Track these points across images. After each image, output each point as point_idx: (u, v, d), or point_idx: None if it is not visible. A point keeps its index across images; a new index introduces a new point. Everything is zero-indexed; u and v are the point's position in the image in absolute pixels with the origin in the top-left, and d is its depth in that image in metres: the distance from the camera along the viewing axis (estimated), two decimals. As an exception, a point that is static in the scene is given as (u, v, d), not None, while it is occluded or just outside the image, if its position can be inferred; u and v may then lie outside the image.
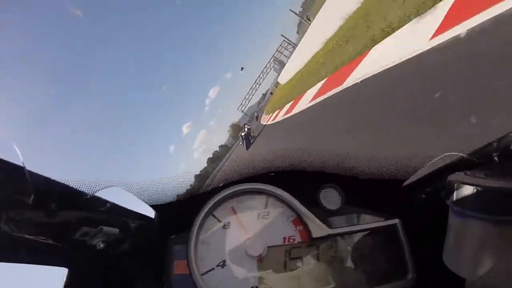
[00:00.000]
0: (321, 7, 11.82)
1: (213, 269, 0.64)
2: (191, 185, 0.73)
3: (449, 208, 0.53)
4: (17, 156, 0.44)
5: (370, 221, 0.71)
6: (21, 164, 0.43)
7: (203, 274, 0.63)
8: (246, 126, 18.68)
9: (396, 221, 0.72)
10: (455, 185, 0.50)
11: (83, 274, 0.63)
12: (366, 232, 0.71)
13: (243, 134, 17.18)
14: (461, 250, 0.52)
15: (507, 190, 0.44)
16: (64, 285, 0.63)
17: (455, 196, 0.50)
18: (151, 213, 0.66)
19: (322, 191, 0.73)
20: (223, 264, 0.65)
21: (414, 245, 0.73)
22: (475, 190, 0.46)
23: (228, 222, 0.68)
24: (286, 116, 11.36)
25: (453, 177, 0.52)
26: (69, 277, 0.63)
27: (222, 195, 0.68)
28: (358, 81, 5.12)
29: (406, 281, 0.68)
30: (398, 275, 0.69)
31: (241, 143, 17.46)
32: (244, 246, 0.65)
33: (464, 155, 0.64)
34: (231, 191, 0.69)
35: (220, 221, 0.68)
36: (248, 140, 16.74)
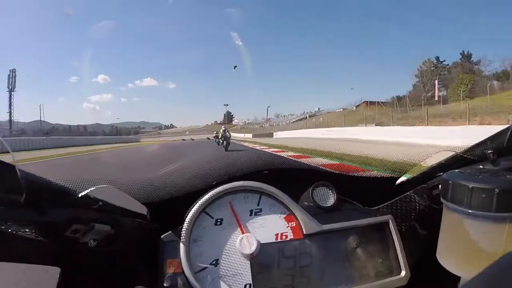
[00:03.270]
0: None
1: (206, 267, 0.62)
2: (183, 182, 0.72)
3: (443, 206, 0.52)
4: (7, 155, 0.43)
5: (363, 218, 0.70)
6: (12, 163, 0.42)
7: (196, 273, 0.62)
8: (222, 127, 18.91)
9: (388, 217, 0.71)
10: (450, 183, 0.49)
11: (75, 273, 0.61)
12: (358, 229, 0.69)
13: (221, 135, 17.79)
14: (455, 247, 0.51)
15: (501, 187, 0.44)
16: (57, 284, 0.62)
17: (449, 194, 0.49)
18: (143, 210, 0.65)
19: (315, 188, 0.71)
20: (216, 263, 0.63)
21: (407, 242, 0.72)
22: (469, 188, 0.46)
23: (221, 219, 0.66)
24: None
25: (447, 175, 0.51)
26: (62, 276, 0.62)
27: (215, 192, 0.67)
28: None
29: (400, 278, 0.67)
30: (391, 272, 0.68)
31: (220, 144, 17.90)
32: (237, 244, 0.64)
33: (458, 153, 0.63)
34: (223, 188, 0.67)
35: (213, 218, 0.66)
36: (228, 141, 17.17)
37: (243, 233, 0.65)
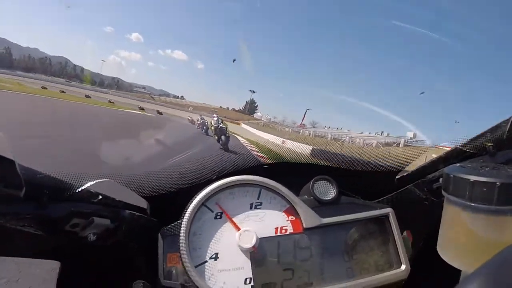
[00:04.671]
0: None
1: (206, 261, 0.62)
2: (184, 176, 0.72)
3: (444, 199, 0.52)
4: (8, 151, 0.43)
5: (363, 212, 0.70)
6: (12, 158, 0.42)
7: (196, 266, 0.61)
8: (214, 116, 13.64)
9: (388, 210, 0.70)
10: (451, 176, 0.49)
11: (75, 267, 0.61)
12: (359, 222, 0.69)
13: (213, 128, 12.53)
14: (455, 240, 0.51)
15: (502, 181, 0.44)
16: (58, 278, 0.62)
17: (451, 187, 0.49)
18: (143, 204, 0.64)
19: (316, 182, 0.71)
20: (216, 256, 0.63)
21: (409, 236, 0.72)
22: (470, 182, 0.45)
23: (221, 213, 0.66)
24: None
25: (448, 169, 0.51)
26: (62, 270, 0.62)
27: (215, 186, 0.66)
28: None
29: (400, 272, 0.67)
30: (391, 266, 0.68)
31: (217, 140, 12.04)
32: (237, 238, 0.64)
33: (458, 146, 0.63)
34: (224, 182, 0.67)
35: (213, 212, 0.66)
36: (226, 137, 11.91)
37: (242, 226, 0.65)
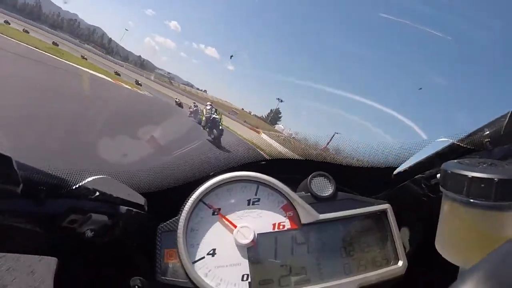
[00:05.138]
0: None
1: (203, 257, 0.62)
2: (181, 172, 0.72)
3: (442, 195, 0.52)
4: (4, 147, 0.42)
5: (360, 207, 0.70)
6: (8, 155, 0.42)
7: (193, 262, 0.61)
8: (208, 103, 11.40)
9: (386, 206, 0.70)
10: (449, 172, 0.49)
11: (73, 263, 0.61)
12: (356, 218, 0.69)
13: (204, 119, 10.52)
14: (453, 236, 0.51)
15: (500, 176, 0.44)
16: (54, 274, 0.62)
17: (449, 183, 0.49)
18: (141, 200, 0.64)
19: (313, 178, 0.71)
20: (213, 253, 0.63)
21: (407, 231, 0.73)
22: (468, 177, 0.45)
23: (218, 209, 0.66)
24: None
25: (446, 165, 0.51)
26: (59, 266, 0.61)
27: (213, 182, 0.66)
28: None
29: (397, 268, 0.67)
30: (389, 262, 0.68)
31: (208, 134, 10.08)
32: (234, 234, 0.64)
33: (455, 142, 0.63)
34: (221, 178, 0.67)
35: (210, 208, 0.66)
36: (220, 130, 10.13)
37: (240, 223, 0.65)
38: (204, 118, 10.60)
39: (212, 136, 9.85)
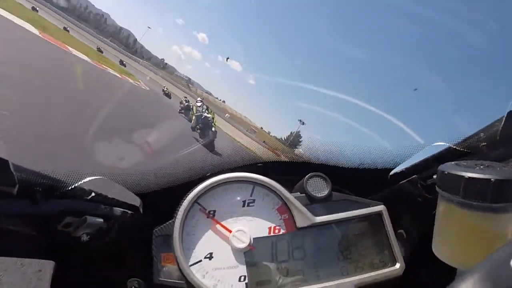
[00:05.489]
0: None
1: (200, 260, 0.62)
2: (176, 173, 0.72)
3: (438, 196, 0.52)
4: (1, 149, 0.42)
5: (357, 209, 0.69)
6: (5, 158, 0.42)
7: (191, 266, 0.61)
8: (198, 99, 9.95)
9: (381, 207, 0.70)
10: (446, 173, 0.49)
11: (69, 266, 0.61)
12: (352, 220, 0.69)
13: (194, 118, 9.00)
14: (450, 238, 0.51)
15: (496, 178, 0.44)
16: (52, 277, 0.61)
17: (445, 184, 0.49)
18: (136, 201, 0.64)
19: (309, 179, 0.71)
20: (210, 256, 0.62)
21: (403, 233, 0.73)
22: (465, 178, 0.46)
23: (213, 211, 0.66)
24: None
25: (443, 166, 0.51)
26: (56, 269, 0.61)
27: (208, 183, 0.66)
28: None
29: (394, 270, 0.67)
30: (386, 264, 0.67)
31: (200, 137, 8.73)
32: (230, 238, 0.63)
33: (451, 145, 0.64)
34: (216, 179, 0.66)
35: (205, 209, 0.65)
36: (213, 132, 8.87)
37: (235, 226, 0.65)
38: (194, 117, 9.10)
39: (204, 139, 8.55)
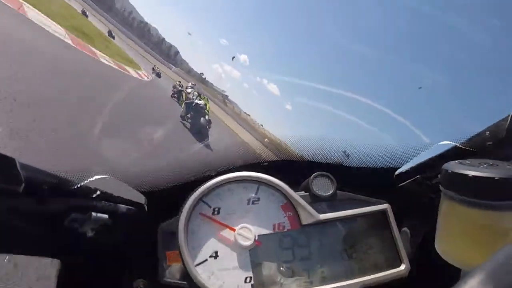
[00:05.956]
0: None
1: (206, 260, 0.62)
2: (181, 172, 0.72)
3: (442, 195, 0.52)
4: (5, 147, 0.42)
5: (361, 208, 0.70)
6: (11, 155, 0.42)
7: (196, 265, 0.61)
8: (189, 84, 8.65)
9: (386, 206, 0.70)
10: (450, 172, 0.49)
11: (75, 265, 0.61)
12: (356, 219, 0.69)
13: (185, 103, 7.63)
14: (454, 238, 0.51)
15: (501, 176, 0.44)
16: (57, 276, 0.62)
17: (449, 183, 0.49)
18: (141, 199, 0.64)
19: (315, 178, 0.71)
20: (215, 255, 0.63)
21: (408, 233, 0.72)
22: (469, 177, 0.45)
23: (218, 208, 0.66)
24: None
25: (447, 165, 0.51)
26: (62, 267, 0.62)
27: (213, 182, 0.66)
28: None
29: (399, 271, 0.67)
30: (391, 265, 0.67)
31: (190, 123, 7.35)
32: (235, 236, 0.64)
33: (457, 144, 0.63)
34: (221, 178, 0.67)
35: (210, 207, 0.66)
36: (207, 121, 7.64)
37: (240, 224, 0.65)
38: (183, 105, 7.64)
39: (194, 127, 7.31)
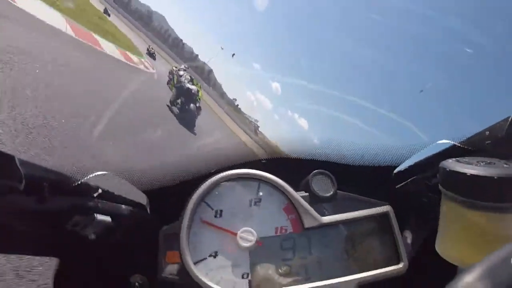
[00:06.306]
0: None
1: (205, 258, 0.63)
2: (181, 170, 0.72)
3: (442, 195, 0.52)
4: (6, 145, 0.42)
5: (362, 209, 0.69)
6: (11, 153, 0.42)
7: (195, 263, 0.61)
8: (181, 69, 7.97)
9: (387, 208, 0.70)
10: (448, 171, 0.49)
11: (74, 264, 0.61)
12: (357, 220, 0.69)
13: (176, 87, 7.30)
14: (453, 237, 0.51)
15: (499, 176, 0.44)
16: (55, 274, 0.62)
17: (448, 182, 0.49)
18: (143, 199, 0.65)
19: (314, 177, 0.71)
20: (215, 254, 0.63)
21: (407, 232, 0.73)
22: (468, 176, 0.45)
23: (221, 211, 0.66)
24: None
25: (445, 164, 0.51)
26: (60, 266, 0.62)
27: (213, 180, 0.66)
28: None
29: (398, 268, 0.67)
30: (390, 263, 0.67)
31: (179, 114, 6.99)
32: (236, 237, 0.64)
33: (456, 143, 0.63)
34: (221, 176, 0.67)
35: (212, 209, 0.66)
36: (196, 108, 7.22)
37: (241, 224, 0.65)
38: (174, 89, 7.23)
39: (182, 115, 6.81)
